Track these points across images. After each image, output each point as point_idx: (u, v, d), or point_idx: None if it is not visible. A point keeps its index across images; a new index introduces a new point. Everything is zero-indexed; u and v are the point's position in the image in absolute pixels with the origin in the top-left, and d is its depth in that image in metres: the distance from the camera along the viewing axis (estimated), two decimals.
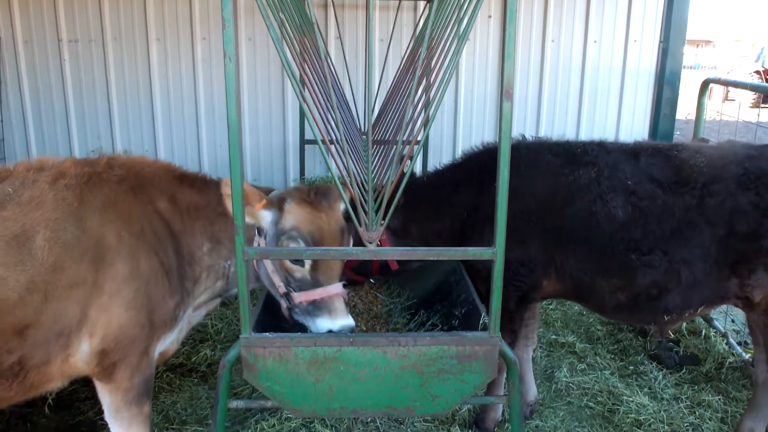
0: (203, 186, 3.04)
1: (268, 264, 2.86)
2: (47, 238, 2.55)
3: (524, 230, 3.29)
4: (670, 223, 3.19)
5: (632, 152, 3.41)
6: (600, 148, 3.46)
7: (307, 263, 2.77)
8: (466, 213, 3.51)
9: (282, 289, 2.82)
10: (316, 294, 2.74)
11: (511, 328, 3.44)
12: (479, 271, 3.43)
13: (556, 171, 3.39)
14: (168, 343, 2.95)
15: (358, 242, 2.44)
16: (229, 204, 2.71)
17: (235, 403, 2.76)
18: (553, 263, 3.35)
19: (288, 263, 2.79)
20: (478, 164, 3.61)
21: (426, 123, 2.57)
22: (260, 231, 2.88)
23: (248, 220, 2.78)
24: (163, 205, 2.89)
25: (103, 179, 2.81)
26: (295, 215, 2.76)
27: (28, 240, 2.53)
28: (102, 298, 2.63)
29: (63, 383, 2.80)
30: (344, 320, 2.71)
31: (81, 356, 2.67)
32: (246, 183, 2.70)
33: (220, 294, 3.15)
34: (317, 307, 2.74)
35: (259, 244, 2.87)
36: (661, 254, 3.19)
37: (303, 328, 2.96)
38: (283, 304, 2.85)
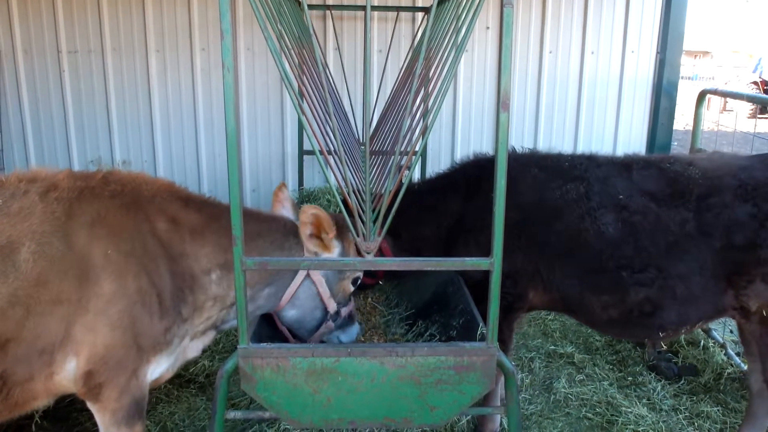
0: (214, 211, 2.94)
1: (325, 290, 3.01)
2: (32, 251, 2.49)
3: (509, 243, 3.29)
4: (663, 238, 3.17)
5: (624, 165, 3.40)
6: (590, 161, 3.46)
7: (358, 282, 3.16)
8: (452, 222, 3.53)
9: (335, 308, 3.07)
10: (352, 305, 3.17)
11: (499, 338, 3.43)
12: (465, 280, 3.44)
13: (543, 184, 3.39)
14: (164, 368, 2.86)
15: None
16: (304, 230, 2.91)
17: (232, 414, 2.75)
18: (540, 276, 3.34)
19: (349, 286, 3.13)
20: (466, 175, 3.62)
21: (424, 132, 2.58)
22: None
23: (316, 248, 2.96)
24: (162, 225, 2.80)
25: (96, 194, 2.73)
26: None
27: (12, 252, 2.47)
28: (86, 317, 2.56)
29: (49, 401, 2.74)
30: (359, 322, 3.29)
31: (66, 375, 2.61)
32: (321, 209, 2.85)
33: (216, 324, 3.07)
34: (351, 317, 3.18)
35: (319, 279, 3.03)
36: (654, 271, 3.17)
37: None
38: (331, 324, 3.09)
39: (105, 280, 2.59)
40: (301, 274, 2.98)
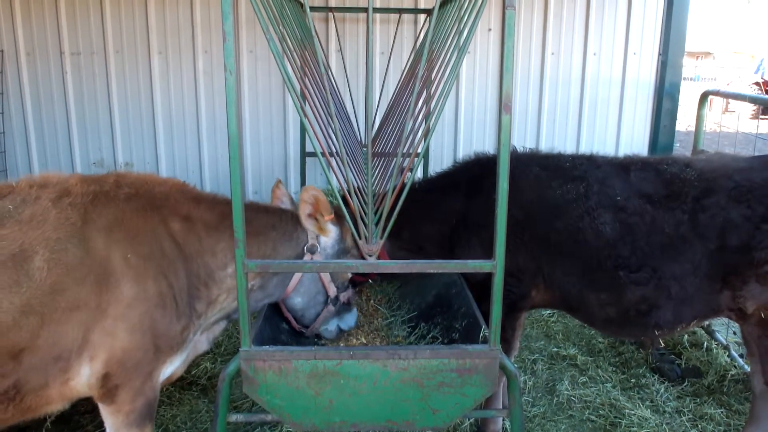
0: (226, 208, 2.94)
1: (326, 274, 3.15)
2: (46, 258, 2.45)
3: (512, 241, 3.29)
4: (659, 239, 3.18)
5: (622, 167, 3.41)
6: (589, 162, 3.47)
7: None
8: (455, 220, 3.54)
9: (334, 292, 3.19)
10: (350, 291, 3.28)
11: (502, 338, 3.44)
12: (467, 279, 3.45)
13: (544, 184, 3.40)
14: (176, 366, 2.87)
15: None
16: (304, 209, 3.02)
17: (234, 417, 2.75)
18: (541, 274, 3.36)
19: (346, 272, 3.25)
20: (468, 175, 3.64)
21: (426, 134, 2.58)
22: (312, 249, 3.05)
23: (313, 228, 3.07)
24: (176, 225, 2.81)
25: (110, 198, 2.71)
26: None
27: (25, 260, 2.43)
28: (106, 321, 2.54)
29: (64, 406, 2.71)
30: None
31: (82, 380, 2.59)
32: (320, 192, 2.97)
33: (229, 314, 3.10)
34: (348, 302, 3.29)
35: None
36: (650, 271, 3.18)
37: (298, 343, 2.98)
38: (332, 308, 3.20)
39: (125, 284, 2.58)
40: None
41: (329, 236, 3.12)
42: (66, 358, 2.52)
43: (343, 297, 3.25)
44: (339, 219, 3.14)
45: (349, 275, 3.27)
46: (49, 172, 2.83)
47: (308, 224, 3.05)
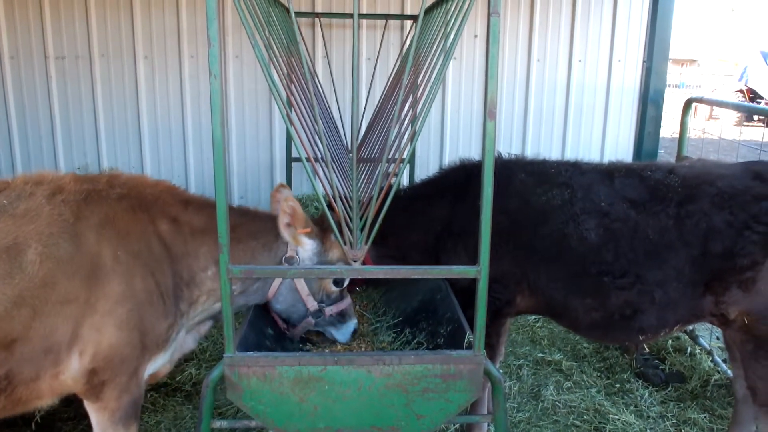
0: (213, 212, 2.96)
1: (302, 288, 3.10)
2: (39, 252, 2.52)
3: (497, 247, 3.30)
4: (643, 245, 3.21)
5: (606, 173, 3.44)
6: (574, 168, 3.50)
7: (345, 282, 3.21)
8: (440, 227, 3.54)
9: (315, 306, 3.14)
10: (344, 304, 3.25)
11: (487, 343, 3.44)
12: (453, 285, 3.45)
13: (529, 190, 3.42)
14: (159, 364, 2.91)
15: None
16: (282, 218, 2.99)
17: (219, 423, 2.74)
18: (526, 280, 3.37)
19: (330, 286, 3.18)
20: (453, 181, 3.65)
21: (412, 138, 2.58)
22: (290, 261, 3.05)
23: (290, 238, 3.04)
24: (164, 227, 2.87)
25: (103, 197, 2.79)
26: (340, 249, 2.81)
27: (19, 253, 2.50)
28: (94, 317, 2.60)
29: (53, 401, 2.75)
30: (356, 317, 3.35)
31: (70, 374, 2.64)
32: (298, 204, 2.98)
33: (214, 315, 3.13)
34: (342, 315, 3.25)
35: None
36: (633, 277, 3.21)
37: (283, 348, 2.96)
38: (311, 320, 3.17)
39: (114, 280, 2.65)
40: None
41: (305, 248, 3.10)
42: (57, 351, 2.58)
43: (331, 310, 3.21)
44: (324, 232, 3.14)
45: (334, 288, 3.21)
46: (44, 170, 2.88)
47: (286, 234, 3.05)
